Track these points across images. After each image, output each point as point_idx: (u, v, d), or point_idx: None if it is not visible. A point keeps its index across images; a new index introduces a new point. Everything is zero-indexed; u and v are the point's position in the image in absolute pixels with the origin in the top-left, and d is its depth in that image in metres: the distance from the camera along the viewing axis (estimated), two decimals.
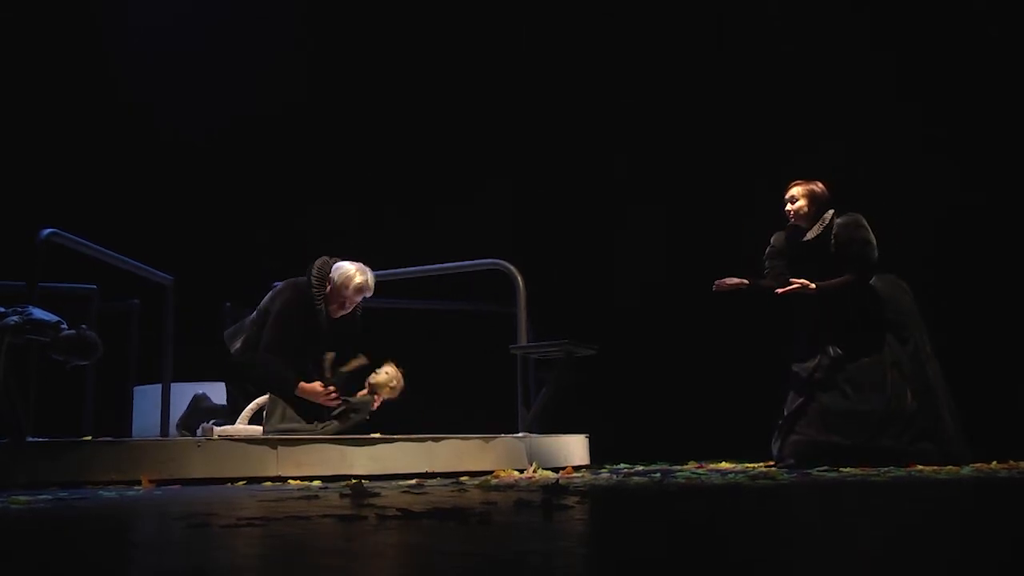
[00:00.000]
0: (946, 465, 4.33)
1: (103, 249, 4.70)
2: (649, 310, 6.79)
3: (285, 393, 4.46)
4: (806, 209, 4.84)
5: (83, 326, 3.96)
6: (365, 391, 4.66)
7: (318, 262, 4.65)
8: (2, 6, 6.75)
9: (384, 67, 7.38)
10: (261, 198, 7.03)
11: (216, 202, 6.89)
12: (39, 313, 3.84)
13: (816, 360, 4.68)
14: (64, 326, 3.87)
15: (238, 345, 4.57)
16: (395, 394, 4.70)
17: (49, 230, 4.22)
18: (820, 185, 4.87)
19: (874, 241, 4.73)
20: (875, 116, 6.38)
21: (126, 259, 4.85)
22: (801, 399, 4.67)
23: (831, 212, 4.81)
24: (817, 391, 4.64)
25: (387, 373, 4.68)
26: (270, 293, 4.69)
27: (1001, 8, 6.20)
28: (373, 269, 5.83)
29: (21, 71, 6.71)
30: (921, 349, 4.69)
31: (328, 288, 4.60)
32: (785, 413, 4.74)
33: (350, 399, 4.59)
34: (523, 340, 5.19)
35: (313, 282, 4.60)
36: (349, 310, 4.68)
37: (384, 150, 7.33)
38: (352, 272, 4.64)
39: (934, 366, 4.69)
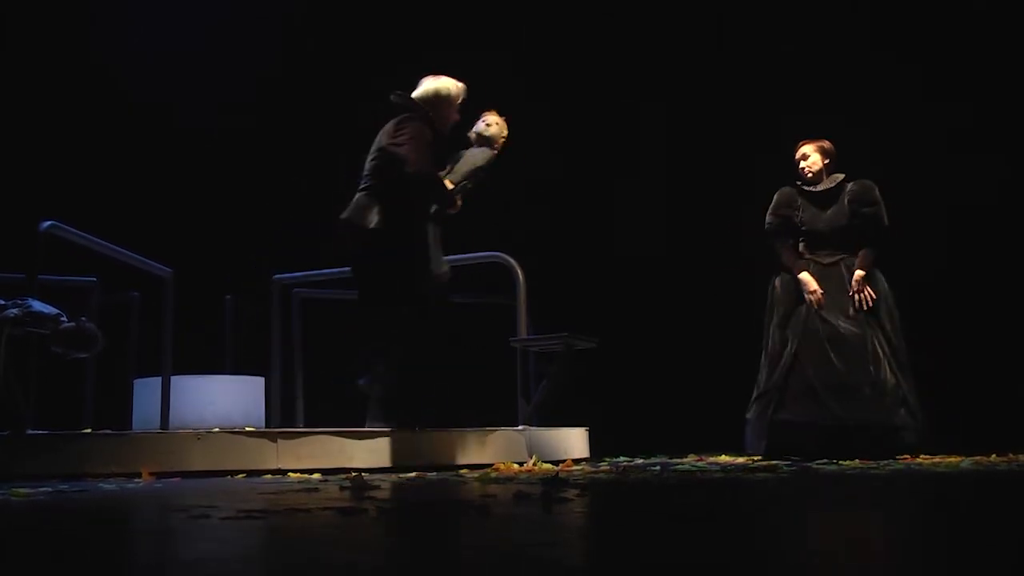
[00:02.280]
0: (921, 450, 4.41)
1: (103, 242, 4.69)
2: (649, 303, 6.78)
3: (446, 202, 4.42)
4: (820, 164, 4.88)
5: (83, 318, 3.96)
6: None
7: (415, 96, 4.50)
8: (3, 3, 6.73)
9: (382, 62, 7.37)
10: (262, 191, 7.01)
11: (216, 195, 6.87)
12: (39, 306, 3.84)
13: (797, 338, 4.71)
14: (64, 319, 3.86)
15: (375, 217, 4.27)
16: (504, 137, 4.77)
17: (49, 223, 4.21)
18: (829, 143, 4.93)
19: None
20: (873, 114, 6.36)
21: (126, 252, 4.84)
22: (783, 376, 4.69)
23: (842, 176, 4.86)
24: (798, 369, 4.67)
25: (496, 123, 4.75)
26: (375, 148, 4.43)
27: (1001, 8, 6.18)
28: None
29: (20, 65, 6.69)
30: (895, 332, 4.72)
31: (437, 114, 4.50)
32: (762, 390, 4.76)
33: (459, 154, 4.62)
34: (523, 333, 5.19)
35: (425, 108, 4.46)
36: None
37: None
38: (445, 82, 4.57)
39: (904, 351, 4.72)
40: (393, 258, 4.29)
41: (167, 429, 4.65)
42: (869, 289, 4.68)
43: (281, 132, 7.13)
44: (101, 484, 3.36)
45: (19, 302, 3.81)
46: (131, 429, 5.12)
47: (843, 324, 4.66)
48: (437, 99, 4.53)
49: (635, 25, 7.11)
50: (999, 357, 5.87)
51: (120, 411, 5.46)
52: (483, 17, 7.15)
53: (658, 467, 4.13)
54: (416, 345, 4.33)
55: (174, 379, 4.98)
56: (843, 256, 4.78)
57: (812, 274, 4.79)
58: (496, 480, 3.39)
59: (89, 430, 4.55)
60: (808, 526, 1.90)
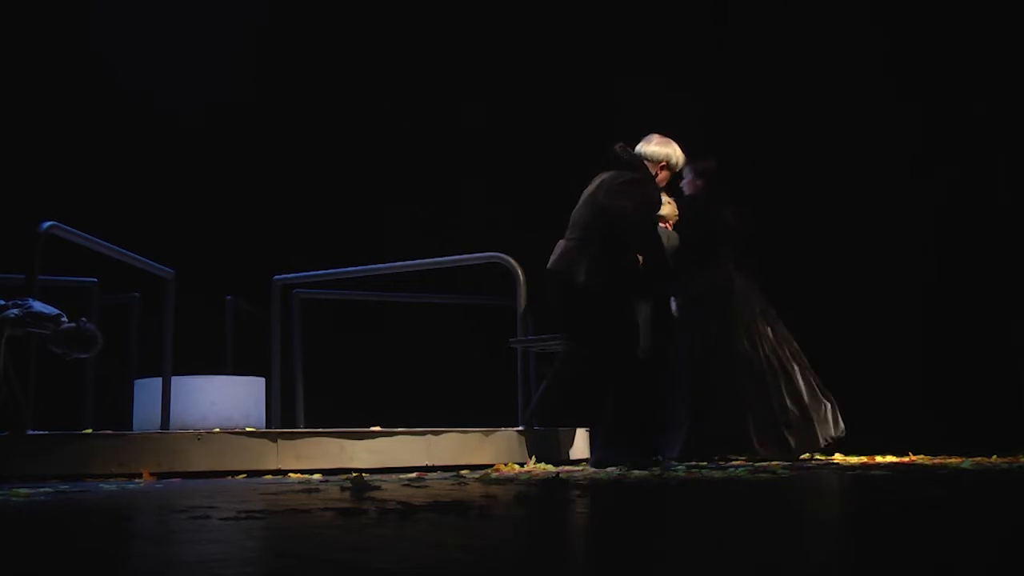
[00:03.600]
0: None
1: (104, 242, 4.69)
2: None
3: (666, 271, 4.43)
4: (692, 185, 5.03)
5: (83, 319, 3.95)
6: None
7: (642, 152, 4.48)
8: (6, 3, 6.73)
9: (385, 58, 7.37)
10: (262, 192, 7.02)
11: (217, 196, 6.88)
12: (39, 306, 3.84)
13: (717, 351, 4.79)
14: (64, 319, 3.86)
15: (584, 272, 4.23)
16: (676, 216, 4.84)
17: (49, 223, 4.20)
18: (703, 164, 5.03)
19: (709, 224, 4.92)
20: (873, 114, 6.36)
21: (127, 252, 4.84)
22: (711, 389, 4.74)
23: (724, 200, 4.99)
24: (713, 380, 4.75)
25: (669, 202, 4.77)
26: (591, 199, 4.36)
27: (1000, 11, 6.17)
28: (370, 263, 5.86)
29: (20, 64, 6.69)
30: (726, 343, 4.81)
31: (659, 177, 4.48)
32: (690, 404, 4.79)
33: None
34: (523, 334, 5.19)
35: (648, 172, 4.45)
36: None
37: (385, 144, 7.32)
38: (676, 150, 4.54)
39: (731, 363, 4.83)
40: (601, 314, 4.23)
41: (168, 430, 4.65)
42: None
43: (282, 133, 7.13)
44: (102, 484, 3.36)
45: (20, 302, 3.81)
46: (132, 430, 5.12)
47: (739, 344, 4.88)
48: (665, 165, 4.49)
49: (632, 30, 7.11)
50: (1003, 358, 5.86)
51: (121, 411, 5.46)
52: (478, 19, 7.17)
53: (658, 468, 4.12)
54: (632, 387, 4.25)
55: (174, 379, 4.97)
56: None
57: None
58: (496, 481, 3.39)
59: (90, 431, 4.55)
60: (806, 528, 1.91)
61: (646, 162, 4.46)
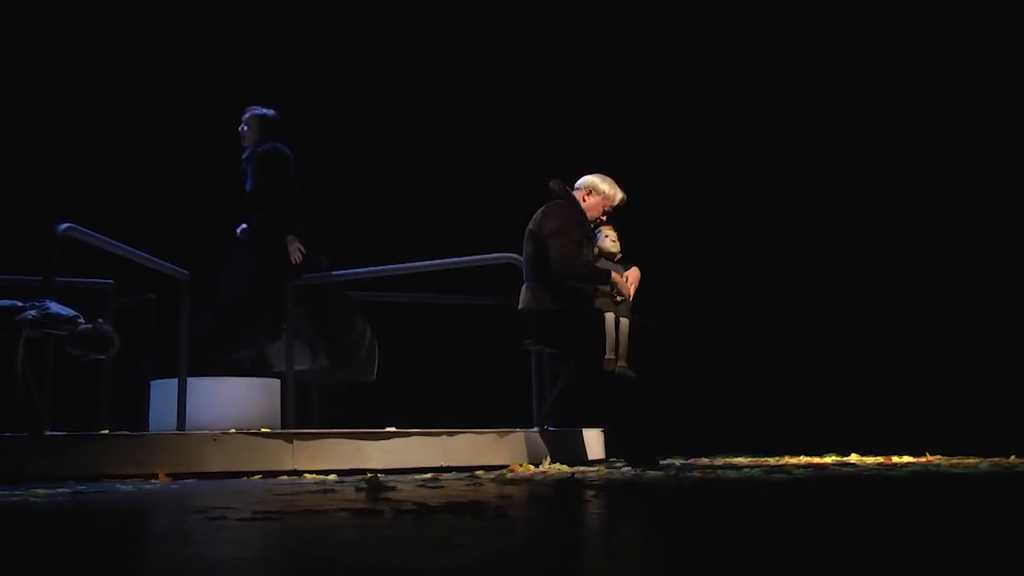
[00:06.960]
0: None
1: (119, 244, 4.71)
2: (662, 304, 6.77)
3: (605, 282, 4.53)
4: (250, 138, 5.54)
5: (99, 320, 3.98)
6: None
7: (566, 188, 4.75)
8: (6, 4, 6.77)
9: (392, 58, 7.38)
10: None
11: (230, 197, 6.89)
12: (56, 307, 3.86)
13: None
14: (81, 320, 3.88)
15: (547, 298, 4.52)
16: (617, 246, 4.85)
17: (66, 225, 4.23)
18: (261, 114, 5.50)
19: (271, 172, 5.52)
20: (873, 117, 6.34)
21: (142, 254, 4.87)
22: None
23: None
24: None
25: (609, 237, 4.80)
26: (527, 235, 4.67)
27: (999, 14, 6.13)
28: (384, 264, 5.86)
29: (38, 68, 6.73)
30: None
31: (586, 203, 4.71)
32: None
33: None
34: None
35: (576, 197, 4.72)
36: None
37: (394, 144, 7.33)
38: (608, 182, 4.76)
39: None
40: (571, 330, 4.51)
41: (183, 430, 4.67)
42: None
43: (288, 134, 7.15)
44: (118, 485, 3.38)
45: (37, 304, 3.84)
46: (148, 430, 5.14)
47: None
48: (593, 191, 4.74)
49: (636, 33, 7.10)
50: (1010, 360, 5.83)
51: (137, 413, 5.48)
52: (479, 17, 7.17)
53: (674, 469, 4.12)
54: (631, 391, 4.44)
55: (190, 380, 4.99)
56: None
57: None
58: (512, 481, 3.39)
59: (106, 432, 4.57)
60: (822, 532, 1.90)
61: (573, 191, 4.76)
